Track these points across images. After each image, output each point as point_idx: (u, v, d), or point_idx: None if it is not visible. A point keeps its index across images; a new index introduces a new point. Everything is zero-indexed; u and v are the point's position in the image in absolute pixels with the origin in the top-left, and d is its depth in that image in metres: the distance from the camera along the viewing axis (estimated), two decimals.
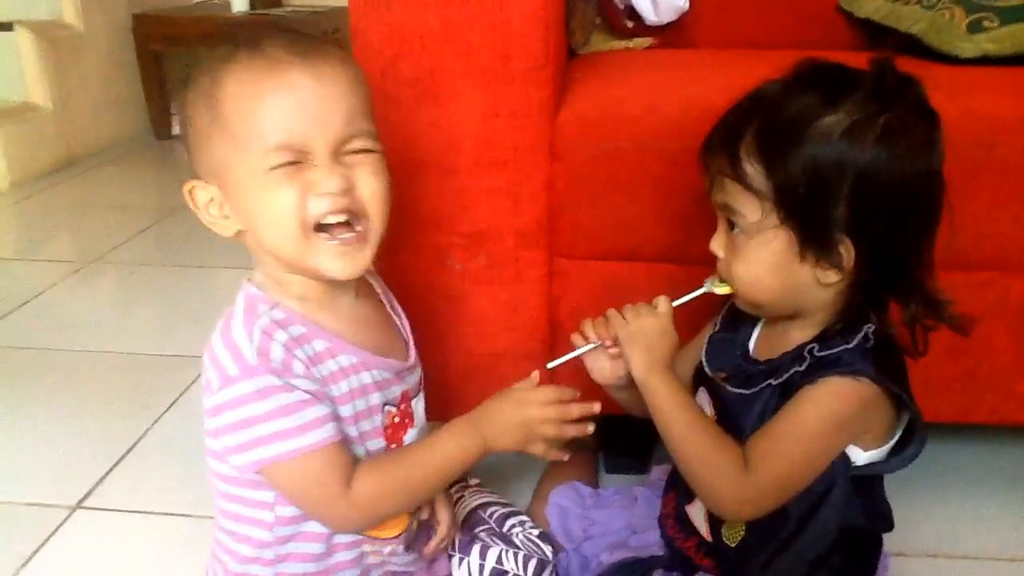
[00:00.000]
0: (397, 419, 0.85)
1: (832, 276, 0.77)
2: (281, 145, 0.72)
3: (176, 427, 1.40)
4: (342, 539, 0.83)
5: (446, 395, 1.10)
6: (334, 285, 0.80)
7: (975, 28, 1.23)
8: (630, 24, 1.53)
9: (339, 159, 0.74)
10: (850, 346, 0.78)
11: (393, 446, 0.85)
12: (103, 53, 3.09)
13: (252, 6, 3.19)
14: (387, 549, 0.86)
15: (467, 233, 1.04)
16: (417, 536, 0.91)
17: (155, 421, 1.40)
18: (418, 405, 0.89)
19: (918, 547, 1.09)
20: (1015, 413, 1.07)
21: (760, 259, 0.78)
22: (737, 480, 0.79)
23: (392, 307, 0.91)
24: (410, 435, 0.87)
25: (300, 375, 0.74)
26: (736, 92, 0.82)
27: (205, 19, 3.17)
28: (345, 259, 0.77)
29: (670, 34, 1.53)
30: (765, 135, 0.76)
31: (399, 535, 0.86)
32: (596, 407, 0.84)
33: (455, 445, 0.82)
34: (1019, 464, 1.28)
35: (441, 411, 1.04)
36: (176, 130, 3.28)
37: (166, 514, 1.18)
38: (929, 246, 0.79)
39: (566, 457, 0.88)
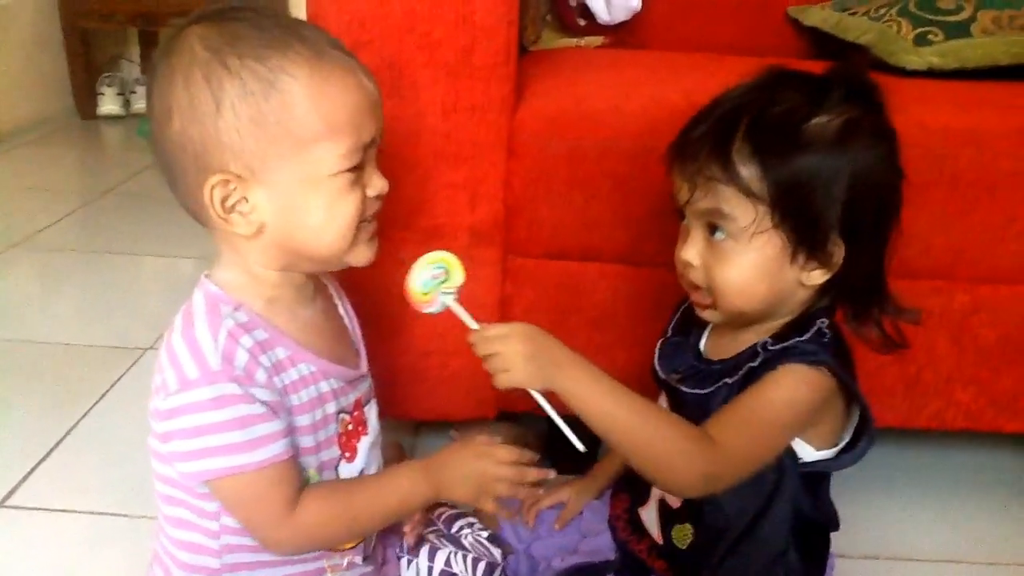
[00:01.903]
0: (351, 427, 0.82)
1: (819, 277, 0.78)
2: (354, 148, 0.72)
3: (105, 421, 1.34)
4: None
5: (395, 393, 1.08)
6: (303, 284, 0.79)
7: (921, 41, 1.25)
8: (582, 22, 1.53)
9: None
10: (803, 338, 0.79)
11: (347, 454, 0.82)
12: (27, 28, 2.96)
13: None
14: (345, 561, 0.83)
15: (423, 228, 1.02)
16: (376, 544, 0.89)
17: (83, 415, 1.34)
18: (371, 412, 0.87)
19: (860, 549, 1.12)
20: (955, 419, 1.10)
21: (752, 264, 0.77)
22: (703, 453, 0.76)
23: (346, 311, 0.88)
24: (363, 443, 0.84)
25: (261, 384, 0.71)
26: (697, 95, 0.82)
27: None
28: (372, 247, 0.78)
29: (621, 34, 1.53)
30: (758, 135, 0.75)
31: (356, 545, 0.84)
32: (551, 473, 0.84)
33: (407, 485, 0.80)
34: (957, 469, 1.32)
35: (391, 409, 1.02)
36: (106, 109, 3.15)
37: (94, 513, 1.13)
38: (892, 246, 0.81)
39: (515, 516, 0.90)
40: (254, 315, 0.74)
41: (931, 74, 1.25)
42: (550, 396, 0.77)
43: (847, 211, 0.75)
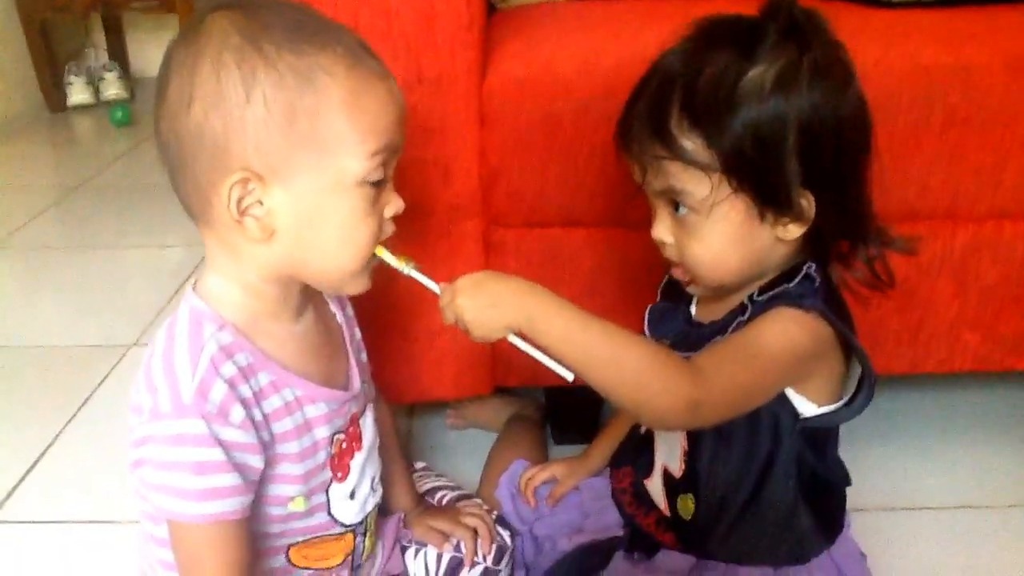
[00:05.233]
0: (344, 444, 0.77)
1: (795, 230, 0.74)
2: (382, 159, 0.67)
3: (94, 424, 1.31)
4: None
5: (387, 376, 1.04)
6: (297, 297, 0.74)
7: None
8: None
9: None
10: (791, 285, 0.76)
11: (338, 475, 0.77)
12: None
13: None
14: None
15: None
16: (368, 554, 0.86)
17: (70, 419, 1.31)
18: (366, 423, 0.82)
19: (875, 501, 1.09)
20: (962, 361, 1.07)
21: (720, 233, 0.74)
22: (686, 376, 0.70)
23: (343, 311, 0.83)
24: (356, 460, 0.79)
25: (236, 424, 0.66)
26: (670, 44, 0.77)
27: None
28: (371, 276, 0.73)
29: None
30: (694, 105, 0.71)
31: (343, 560, 0.81)
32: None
33: None
34: (965, 412, 1.29)
35: (385, 392, 0.99)
36: (76, 99, 3.09)
37: (88, 522, 1.11)
38: (868, 176, 0.76)
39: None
40: (239, 336, 0.69)
41: (918, 4, 1.19)
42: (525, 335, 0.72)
43: (805, 159, 0.71)
